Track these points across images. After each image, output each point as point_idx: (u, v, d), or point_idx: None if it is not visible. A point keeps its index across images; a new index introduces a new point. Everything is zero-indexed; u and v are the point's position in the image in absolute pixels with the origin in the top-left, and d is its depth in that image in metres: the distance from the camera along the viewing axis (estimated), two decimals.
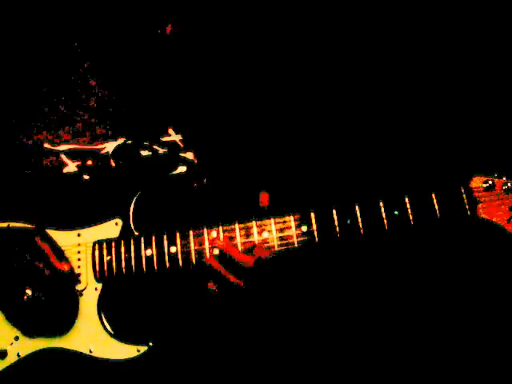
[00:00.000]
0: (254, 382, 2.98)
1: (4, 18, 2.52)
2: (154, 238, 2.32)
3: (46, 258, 2.24)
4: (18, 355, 2.28)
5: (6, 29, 2.51)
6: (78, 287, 2.32)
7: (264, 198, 2.37)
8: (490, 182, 2.23)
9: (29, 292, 2.19)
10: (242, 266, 2.26)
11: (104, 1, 2.46)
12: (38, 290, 2.20)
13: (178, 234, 2.31)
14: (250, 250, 2.29)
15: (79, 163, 2.44)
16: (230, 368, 2.73)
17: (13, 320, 2.28)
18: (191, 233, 2.31)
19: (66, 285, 2.28)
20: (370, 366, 3.21)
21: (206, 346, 2.59)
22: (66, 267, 2.27)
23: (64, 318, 2.30)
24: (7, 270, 2.21)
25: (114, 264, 2.32)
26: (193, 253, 2.30)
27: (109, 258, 2.32)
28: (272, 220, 2.30)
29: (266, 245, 2.29)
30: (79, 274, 2.33)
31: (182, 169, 2.52)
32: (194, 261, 2.30)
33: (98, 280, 2.32)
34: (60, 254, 2.29)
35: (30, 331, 2.29)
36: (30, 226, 2.33)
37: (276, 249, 2.30)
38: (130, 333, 2.31)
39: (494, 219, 2.23)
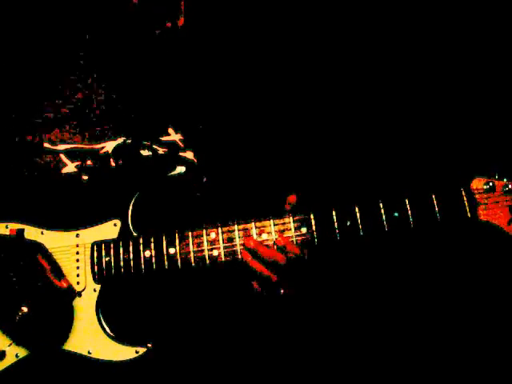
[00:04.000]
0: (253, 382, 2.97)
1: (5, 16, 2.52)
2: (152, 239, 2.31)
3: (44, 275, 2.23)
4: (17, 356, 2.27)
5: (7, 28, 2.51)
6: (77, 288, 2.31)
7: (292, 200, 2.32)
8: (491, 184, 2.22)
9: (24, 309, 2.17)
10: (277, 263, 2.24)
11: (104, 1, 2.46)
12: (35, 307, 2.18)
13: (176, 235, 2.31)
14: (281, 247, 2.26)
15: (78, 163, 2.43)
16: (230, 369, 2.73)
17: (9, 335, 2.27)
18: (190, 234, 2.31)
19: (63, 302, 2.27)
20: (369, 365, 3.21)
21: (205, 347, 2.58)
22: (64, 284, 2.26)
23: (59, 333, 2.28)
24: (5, 285, 2.19)
25: (112, 265, 2.31)
26: (192, 254, 2.29)
27: (107, 259, 2.32)
28: (271, 221, 2.29)
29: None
30: (80, 293, 2.31)
31: (181, 169, 2.51)
32: (192, 262, 2.29)
33: (96, 281, 2.31)
34: (59, 271, 2.28)
35: (24, 345, 2.27)
36: (28, 226, 2.33)
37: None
38: (129, 334, 2.30)
39: (494, 221, 2.21)
